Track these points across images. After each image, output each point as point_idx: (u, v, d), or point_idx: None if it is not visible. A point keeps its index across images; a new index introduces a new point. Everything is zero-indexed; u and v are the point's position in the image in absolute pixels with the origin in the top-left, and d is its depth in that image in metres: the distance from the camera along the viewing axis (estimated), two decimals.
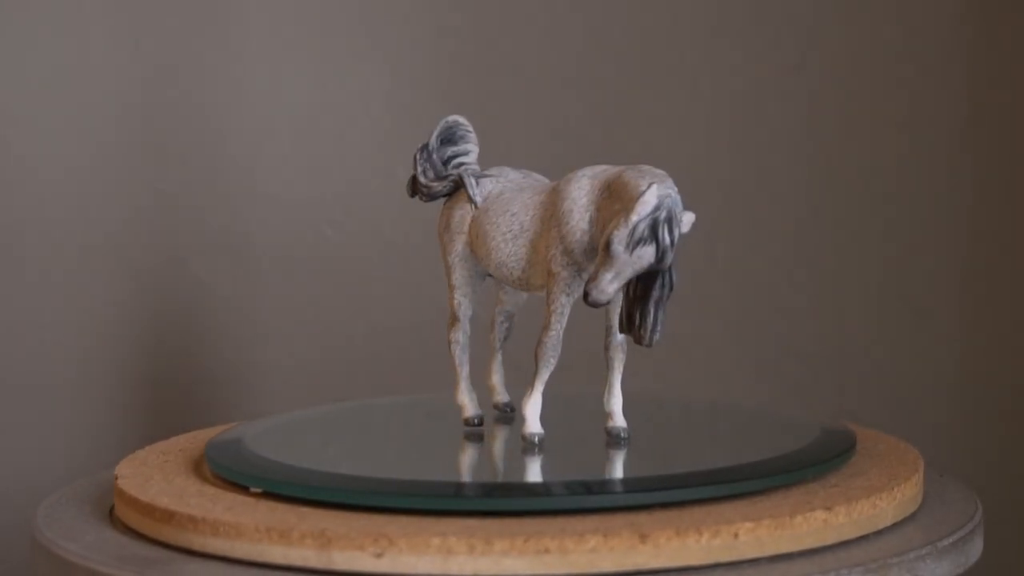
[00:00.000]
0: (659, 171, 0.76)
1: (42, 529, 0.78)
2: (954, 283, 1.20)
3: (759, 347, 1.21)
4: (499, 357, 0.88)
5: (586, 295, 0.75)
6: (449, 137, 0.87)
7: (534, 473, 0.79)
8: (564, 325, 0.79)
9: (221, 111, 1.19)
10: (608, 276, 0.74)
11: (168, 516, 0.73)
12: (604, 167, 0.79)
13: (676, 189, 0.75)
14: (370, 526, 0.69)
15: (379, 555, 0.67)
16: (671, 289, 0.75)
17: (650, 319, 0.75)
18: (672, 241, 0.74)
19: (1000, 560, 1.17)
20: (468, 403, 0.86)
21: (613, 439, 0.81)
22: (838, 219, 1.21)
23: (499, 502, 0.71)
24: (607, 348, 0.82)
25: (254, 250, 1.20)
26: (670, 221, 0.74)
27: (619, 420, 0.82)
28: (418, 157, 0.86)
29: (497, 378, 0.88)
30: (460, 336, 0.86)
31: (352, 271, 1.21)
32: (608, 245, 0.74)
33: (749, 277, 1.22)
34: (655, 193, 0.74)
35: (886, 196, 1.21)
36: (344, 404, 0.99)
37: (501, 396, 0.88)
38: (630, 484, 0.74)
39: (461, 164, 0.86)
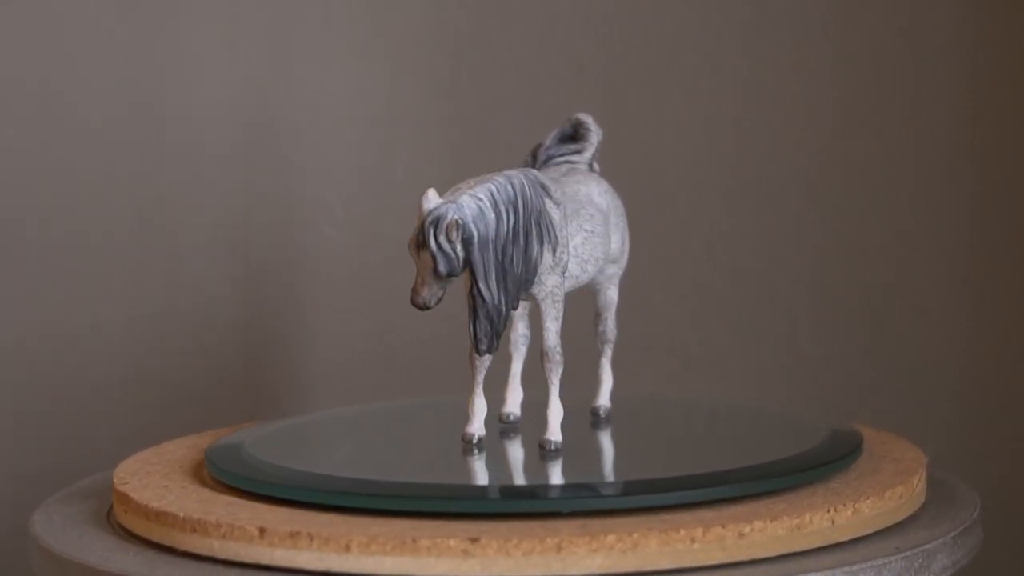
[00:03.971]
0: (498, 178, 0.77)
1: (41, 530, 0.78)
2: (956, 282, 1.20)
3: (760, 347, 1.21)
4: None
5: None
6: (571, 135, 0.87)
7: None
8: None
9: (220, 110, 1.19)
10: (418, 280, 0.76)
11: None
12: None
13: (487, 197, 0.76)
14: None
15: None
16: (483, 300, 0.76)
17: (470, 330, 0.77)
18: (439, 247, 0.75)
19: (1001, 558, 1.17)
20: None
21: (542, 450, 0.79)
22: (839, 218, 1.21)
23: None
24: (540, 359, 0.81)
25: (254, 249, 1.20)
26: (435, 226, 0.75)
27: (550, 433, 0.80)
28: (529, 154, 0.86)
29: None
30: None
31: (352, 271, 1.21)
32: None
33: (750, 276, 1.21)
34: (426, 199, 0.75)
35: (888, 195, 1.21)
36: (347, 409, 0.99)
37: (598, 400, 0.88)
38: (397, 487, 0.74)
39: (567, 162, 0.86)
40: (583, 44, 1.21)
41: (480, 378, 0.81)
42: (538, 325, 0.80)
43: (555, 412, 0.80)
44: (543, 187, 0.79)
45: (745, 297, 1.22)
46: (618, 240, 0.86)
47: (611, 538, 0.67)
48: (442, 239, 0.75)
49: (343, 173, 1.21)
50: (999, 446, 1.20)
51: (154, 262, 1.19)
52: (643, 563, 0.67)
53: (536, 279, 0.78)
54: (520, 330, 0.85)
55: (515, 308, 0.78)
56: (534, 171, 0.80)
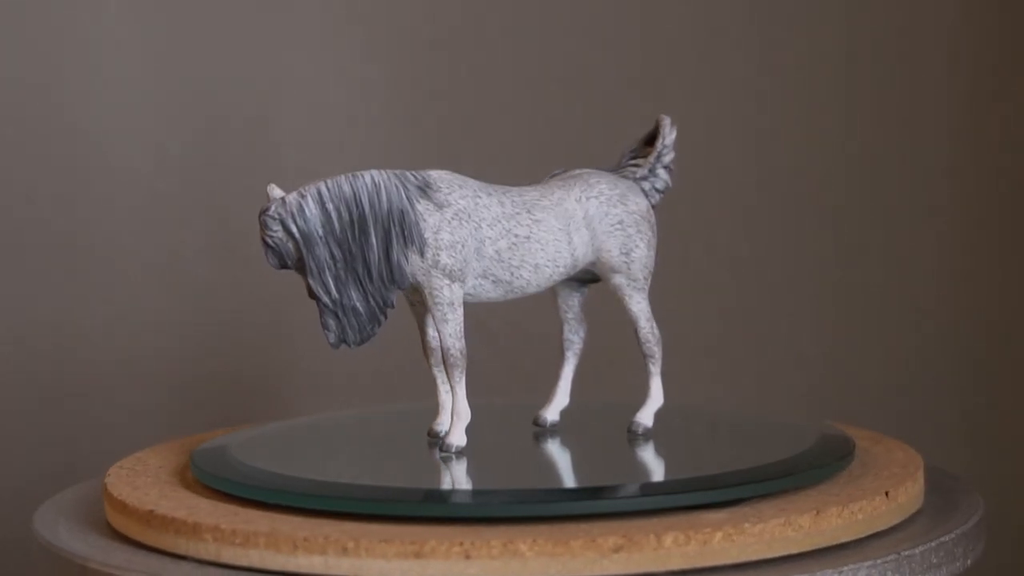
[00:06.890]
0: (340, 176, 0.79)
1: (42, 530, 0.78)
2: (956, 282, 1.20)
3: (758, 348, 1.21)
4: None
5: None
6: (651, 136, 0.86)
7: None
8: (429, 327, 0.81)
9: (219, 110, 1.19)
10: None
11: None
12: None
13: (312, 194, 0.78)
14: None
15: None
16: (316, 296, 0.77)
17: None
18: (263, 241, 0.77)
19: (1001, 559, 1.17)
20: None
21: (441, 452, 0.78)
22: (838, 220, 1.21)
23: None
24: None
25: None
26: (258, 221, 0.77)
27: (451, 437, 0.78)
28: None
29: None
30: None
31: None
32: None
33: (750, 276, 1.21)
34: (268, 193, 0.77)
35: (887, 196, 1.21)
36: (340, 413, 0.99)
37: (636, 415, 0.86)
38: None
39: (634, 164, 0.86)
40: (583, 43, 1.21)
41: (436, 372, 0.81)
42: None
43: (458, 415, 0.78)
44: (422, 189, 0.78)
45: (745, 297, 1.22)
46: (612, 249, 0.81)
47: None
48: (262, 234, 0.77)
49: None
50: (999, 446, 1.20)
51: (154, 262, 1.19)
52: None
53: (411, 280, 0.77)
54: (565, 334, 0.84)
55: (391, 306, 0.78)
56: (434, 172, 0.79)
